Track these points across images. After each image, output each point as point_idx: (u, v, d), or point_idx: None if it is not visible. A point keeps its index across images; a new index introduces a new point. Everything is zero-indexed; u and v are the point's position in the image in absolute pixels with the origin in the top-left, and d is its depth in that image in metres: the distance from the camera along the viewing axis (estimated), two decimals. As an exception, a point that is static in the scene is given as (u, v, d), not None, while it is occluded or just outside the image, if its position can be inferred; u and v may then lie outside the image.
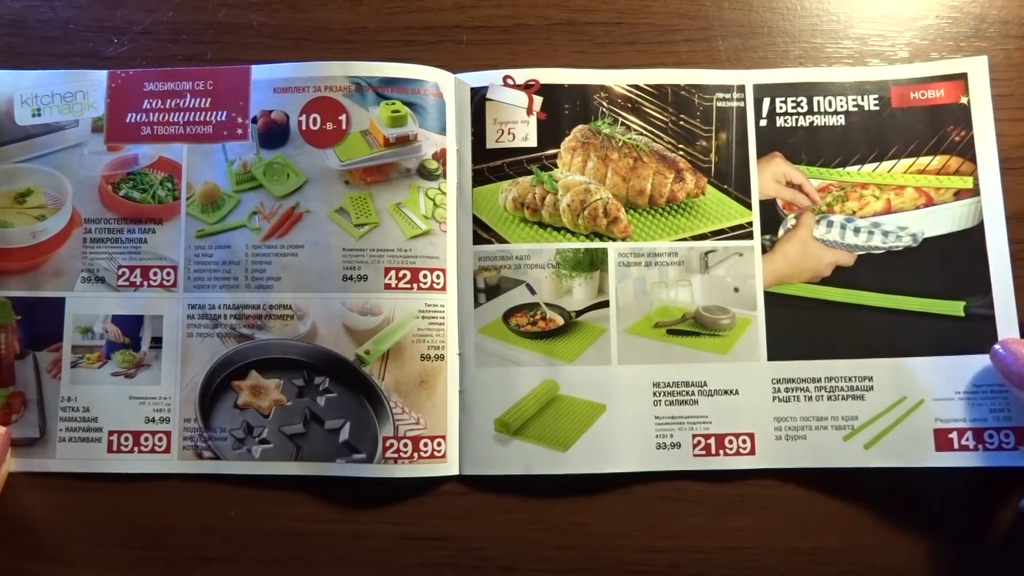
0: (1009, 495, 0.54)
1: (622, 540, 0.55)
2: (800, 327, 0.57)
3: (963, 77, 0.58)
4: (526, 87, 0.59)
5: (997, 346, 0.53)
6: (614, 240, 0.58)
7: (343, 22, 0.60)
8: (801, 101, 0.59)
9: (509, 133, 0.59)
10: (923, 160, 0.58)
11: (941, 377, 0.55)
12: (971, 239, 0.57)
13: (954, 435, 0.55)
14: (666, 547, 0.55)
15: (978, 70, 0.58)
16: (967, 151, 0.58)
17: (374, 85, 0.58)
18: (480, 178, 0.59)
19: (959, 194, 0.58)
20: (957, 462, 0.54)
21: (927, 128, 0.58)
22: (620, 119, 0.59)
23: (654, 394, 0.56)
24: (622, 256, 0.58)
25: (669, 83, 0.59)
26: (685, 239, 0.58)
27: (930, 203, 0.58)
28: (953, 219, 0.57)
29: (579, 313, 0.58)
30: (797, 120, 0.59)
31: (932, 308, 0.56)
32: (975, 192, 0.57)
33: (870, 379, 0.56)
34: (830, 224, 0.58)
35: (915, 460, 0.55)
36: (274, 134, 0.58)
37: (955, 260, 0.57)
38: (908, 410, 0.55)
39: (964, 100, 0.58)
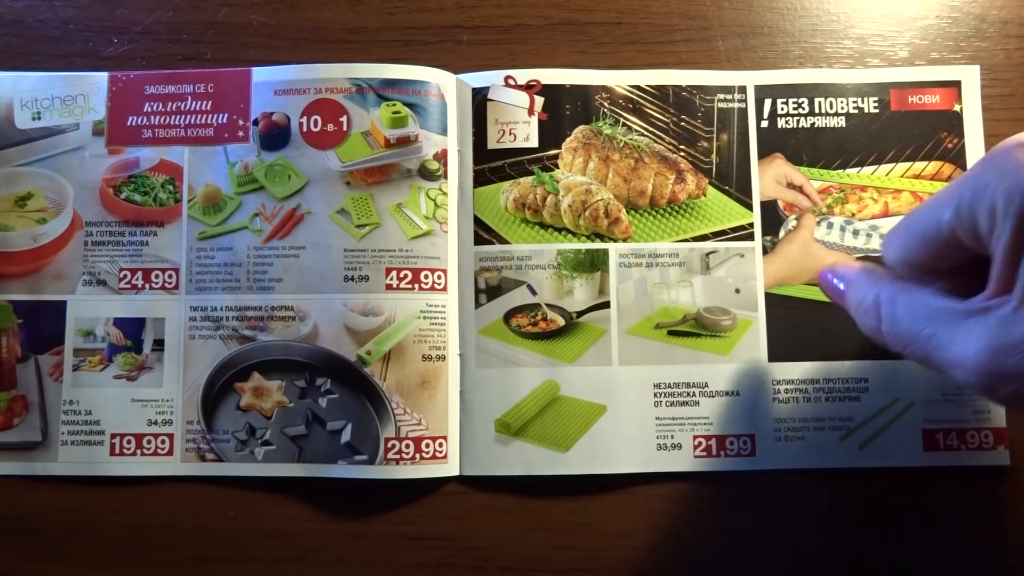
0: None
1: (622, 540, 0.55)
2: (800, 328, 0.57)
3: (957, 85, 0.58)
4: (527, 87, 0.59)
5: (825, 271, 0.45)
6: (615, 241, 0.58)
7: (343, 22, 0.60)
8: (802, 102, 0.59)
9: (510, 134, 0.59)
10: (919, 165, 0.58)
11: (930, 379, 0.56)
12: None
13: (940, 435, 0.55)
14: (666, 548, 0.55)
15: (971, 79, 0.58)
16: (959, 159, 0.58)
17: (375, 86, 0.58)
18: (481, 179, 0.59)
19: None
20: (943, 461, 0.55)
21: (923, 133, 0.58)
22: (621, 120, 0.59)
23: (655, 395, 0.56)
24: (623, 257, 0.58)
25: (670, 84, 0.59)
26: (686, 240, 0.58)
27: None
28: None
29: (580, 314, 0.58)
30: (798, 121, 0.59)
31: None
32: None
33: (865, 381, 0.56)
34: (830, 226, 0.58)
35: (906, 460, 0.55)
36: (275, 136, 0.58)
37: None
38: (900, 411, 0.56)
39: (957, 108, 0.58)
